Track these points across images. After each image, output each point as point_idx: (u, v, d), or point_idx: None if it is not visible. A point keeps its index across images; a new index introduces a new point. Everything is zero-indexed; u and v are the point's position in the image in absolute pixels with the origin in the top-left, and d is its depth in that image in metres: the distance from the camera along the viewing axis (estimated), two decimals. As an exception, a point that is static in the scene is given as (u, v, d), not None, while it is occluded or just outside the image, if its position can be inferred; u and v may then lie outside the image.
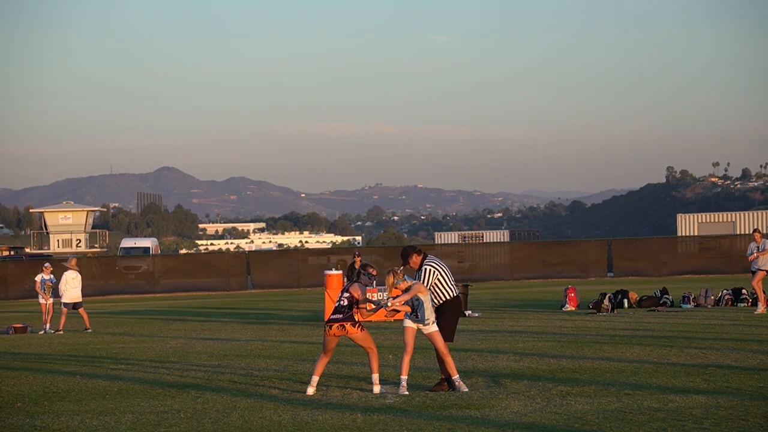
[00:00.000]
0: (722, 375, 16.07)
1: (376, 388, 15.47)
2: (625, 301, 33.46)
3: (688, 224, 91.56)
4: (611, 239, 68.59)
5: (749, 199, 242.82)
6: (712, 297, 33.64)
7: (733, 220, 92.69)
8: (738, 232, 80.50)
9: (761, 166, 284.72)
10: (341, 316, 15.48)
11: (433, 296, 15.83)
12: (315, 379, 15.65)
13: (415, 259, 16.11)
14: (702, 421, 12.23)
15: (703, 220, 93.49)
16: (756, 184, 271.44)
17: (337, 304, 15.68)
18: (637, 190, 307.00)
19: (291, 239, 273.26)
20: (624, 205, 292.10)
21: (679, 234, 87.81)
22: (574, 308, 33.31)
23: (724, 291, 34.26)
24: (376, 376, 15.56)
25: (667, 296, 33.74)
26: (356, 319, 15.56)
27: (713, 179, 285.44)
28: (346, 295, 15.61)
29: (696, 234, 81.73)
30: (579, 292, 35.46)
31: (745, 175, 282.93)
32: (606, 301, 31.59)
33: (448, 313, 15.93)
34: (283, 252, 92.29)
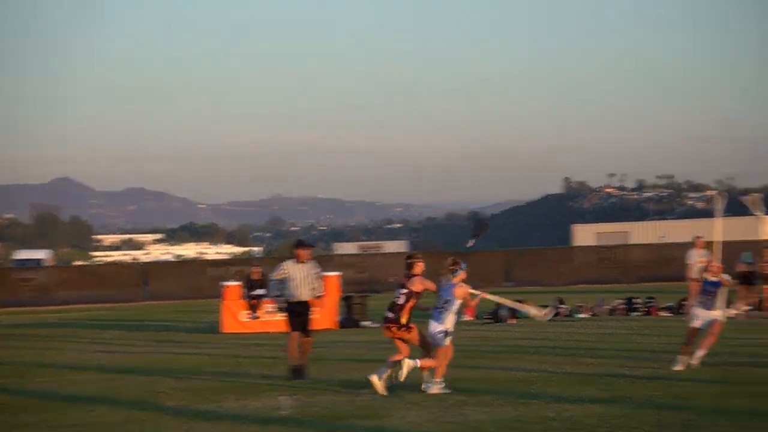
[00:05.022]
0: (616, 384, 16.27)
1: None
2: (522, 311, 33.71)
3: (584, 234, 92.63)
4: (510, 249, 69.13)
5: (644, 210, 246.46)
6: (607, 307, 34.09)
7: (629, 230, 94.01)
8: (633, 242, 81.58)
9: (656, 177, 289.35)
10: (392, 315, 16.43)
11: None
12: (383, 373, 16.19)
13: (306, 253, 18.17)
14: (596, 429, 12.37)
15: (600, 231, 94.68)
16: (650, 194, 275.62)
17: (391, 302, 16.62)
18: (536, 201, 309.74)
19: (189, 250, 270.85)
20: (522, 216, 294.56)
21: (575, 244, 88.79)
22: (472, 318, 33.48)
23: (618, 301, 34.74)
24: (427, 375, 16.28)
25: (563, 306, 34.10)
26: (403, 321, 16.27)
27: (609, 190, 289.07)
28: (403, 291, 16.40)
29: (592, 244, 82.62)
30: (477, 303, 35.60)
31: (641, 185, 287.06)
32: (503, 311, 31.83)
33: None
34: (182, 263, 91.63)
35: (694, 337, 18.18)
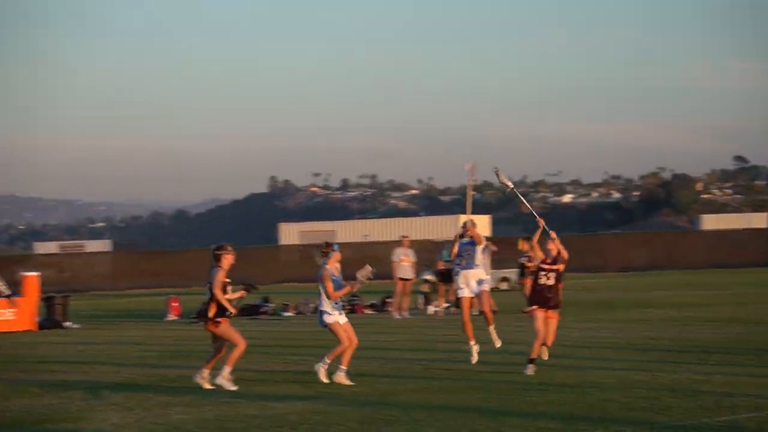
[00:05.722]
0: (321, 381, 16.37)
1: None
2: (228, 309, 33.66)
3: (290, 233, 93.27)
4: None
5: (348, 209, 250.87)
6: (312, 305, 34.42)
7: (333, 229, 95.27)
8: (338, 241, 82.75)
9: (359, 176, 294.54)
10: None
11: None
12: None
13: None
14: (298, 426, 12.41)
15: (304, 229, 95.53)
16: (354, 194, 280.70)
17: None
18: (241, 200, 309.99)
19: None
20: (229, 215, 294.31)
21: (281, 243, 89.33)
22: (176, 318, 33.17)
23: (324, 298, 35.12)
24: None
25: (268, 304, 34.21)
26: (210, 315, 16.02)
27: (314, 189, 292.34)
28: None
29: (297, 243, 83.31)
30: (183, 302, 35.34)
31: (345, 185, 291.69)
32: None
33: None
34: None
35: (470, 306, 18.37)
